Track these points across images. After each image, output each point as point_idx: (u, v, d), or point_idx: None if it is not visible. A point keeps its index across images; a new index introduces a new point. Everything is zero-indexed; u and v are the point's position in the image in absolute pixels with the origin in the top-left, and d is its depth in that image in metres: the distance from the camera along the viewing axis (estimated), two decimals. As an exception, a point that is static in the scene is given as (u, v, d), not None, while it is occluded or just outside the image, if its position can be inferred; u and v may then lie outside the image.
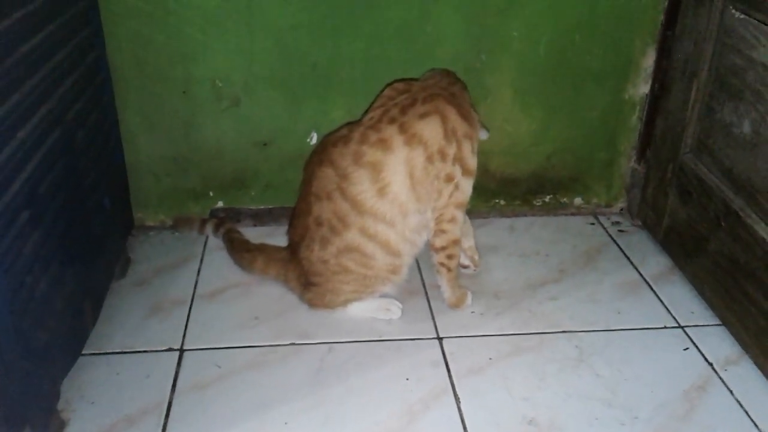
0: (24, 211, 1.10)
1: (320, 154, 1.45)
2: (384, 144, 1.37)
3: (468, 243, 1.65)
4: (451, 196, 1.43)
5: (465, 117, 1.43)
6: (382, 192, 1.37)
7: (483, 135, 1.52)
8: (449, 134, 1.39)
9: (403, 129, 1.38)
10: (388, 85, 1.51)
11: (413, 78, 1.53)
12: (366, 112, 1.48)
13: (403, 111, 1.40)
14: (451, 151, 1.40)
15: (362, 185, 1.37)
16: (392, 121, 1.39)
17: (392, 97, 1.46)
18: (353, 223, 1.39)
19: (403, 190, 1.38)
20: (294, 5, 1.62)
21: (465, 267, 1.64)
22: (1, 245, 1.01)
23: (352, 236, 1.40)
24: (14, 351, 1.04)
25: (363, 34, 1.67)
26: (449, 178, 1.41)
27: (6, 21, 1.06)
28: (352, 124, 1.46)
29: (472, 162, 1.45)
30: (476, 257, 1.65)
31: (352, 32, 1.67)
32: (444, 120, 1.39)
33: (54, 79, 1.25)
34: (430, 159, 1.38)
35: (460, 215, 1.46)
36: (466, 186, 1.45)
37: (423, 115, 1.39)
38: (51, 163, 1.21)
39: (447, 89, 1.46)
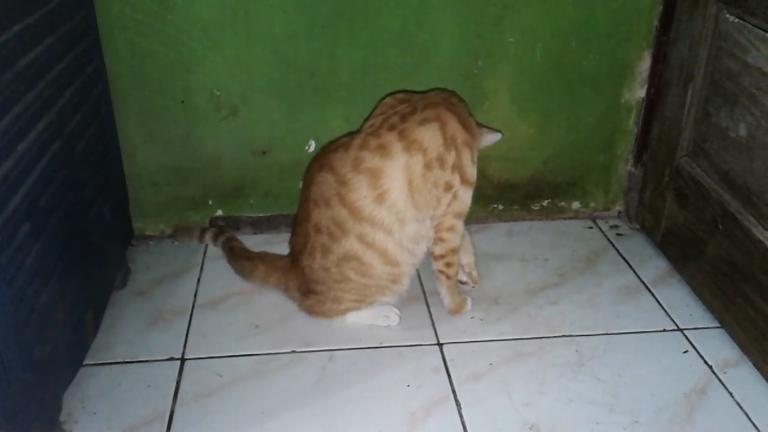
0: (25, 224, 1.10)
1: (320, 160, 1.45)
2: (383, 150, 1.37)
3: (467, 260, 1.64)
4: (449, 205, 1.43)
5: (465, 125, 1.43)
6: (380, 199, 1.38)
7: (496, 136, 1.53)
8: (449, 141, 1.40)
9: (402, 135, 1.38)
10: (389, 94, 1.51)
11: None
12: (366, 120, 1.49)
13: (404, 118, 1.41)
14: (450, 158, 1.40)
15: (361, 192, 1.38)
16: (392, 128, 1.40)
17: (393, 106, 1.47)
18: (351, 230, 1.40)
19: (401, 197, 1.38)
20: (291, 14, 1.63)
21: (463, 283, 1.63)
22: (2, 258, 1.01)
23: (350, 244, 1.41)
24: (16, 363, 1.05)
25: (360, 42, 1.68)
26: (448, 186, 1.41)
27: (5, 35, 1.07)
28: (353, 133, 1.46)
29: (472, 171, 1.45)
30: (474, 274, 1.65)
31: (350, 40, 1.67)
32: (444, 127, 1.40)
33: (53, 91, 1.25)
34: (428, 166, 1.38)
35: (459, 224, 1.46)
36: (465, 195, 1.44)
37: (423, 122, 1.39)
38: (51, 175, 1.22)
39: (447, 99, 1.47)
